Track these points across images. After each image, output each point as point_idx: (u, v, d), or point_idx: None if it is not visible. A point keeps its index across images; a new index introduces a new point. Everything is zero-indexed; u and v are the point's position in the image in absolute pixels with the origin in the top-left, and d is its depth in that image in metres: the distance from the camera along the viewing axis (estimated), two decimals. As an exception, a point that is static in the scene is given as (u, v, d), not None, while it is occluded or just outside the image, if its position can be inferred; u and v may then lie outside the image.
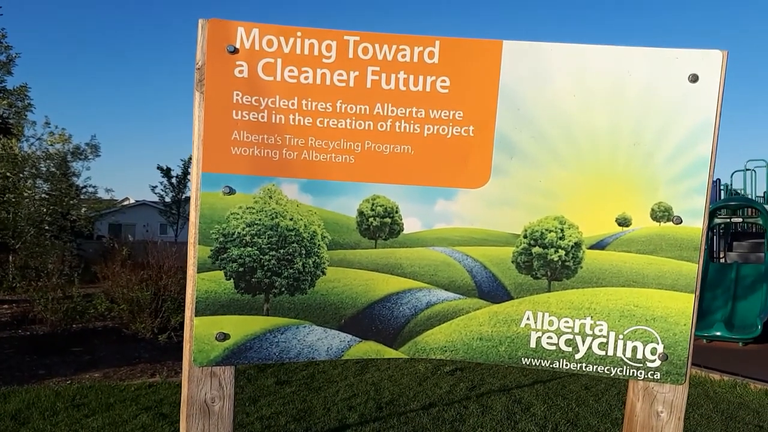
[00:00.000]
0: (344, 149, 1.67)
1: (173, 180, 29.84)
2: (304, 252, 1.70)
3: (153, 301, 7.64)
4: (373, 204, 1.71)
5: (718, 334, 9.69)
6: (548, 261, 1.71)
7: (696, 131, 1.62)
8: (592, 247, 1.70)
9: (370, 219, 1.71)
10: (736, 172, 13.87)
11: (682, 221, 1.65)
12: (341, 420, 4.98)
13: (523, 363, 1.74)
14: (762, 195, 13.05)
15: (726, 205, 12.28)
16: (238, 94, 1.63)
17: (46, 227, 13.28)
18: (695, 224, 1.65)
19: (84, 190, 17.37)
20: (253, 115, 1.64)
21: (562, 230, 1.70)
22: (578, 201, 1.69)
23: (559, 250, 1.70)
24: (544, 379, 6.68)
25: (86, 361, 6.66)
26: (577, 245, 1.70)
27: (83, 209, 16.95)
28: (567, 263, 1.71)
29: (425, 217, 1.73)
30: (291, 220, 1.68)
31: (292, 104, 1.65)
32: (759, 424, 5.42)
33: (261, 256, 1.67)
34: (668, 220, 1.66)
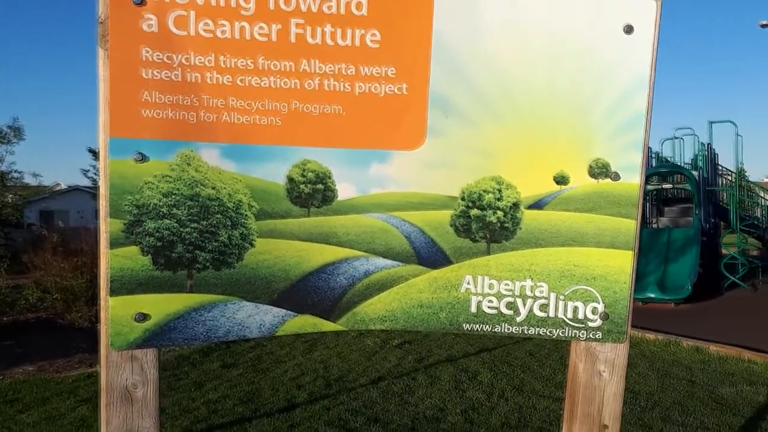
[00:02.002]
0: (269, 110, 1.55)
1: (106, 163, 28.46)
2: (229, 223, 1.57)
3: (89, 289, 7.32)
4: (303, 169, 1.59)
5: (652, 296, 10.14)
6: (487, 223, 1.65)
7: (632, 85, 1.58)
8: (530, 207, 1.66)
9: (301, 186, 1.60)
10: (665, 140, 14.41)
11: (620, 177, 1.62)
12: (290, 399, 4.91)
13: (465, 329, 1.68)
14: (689, 162, 13.62)
15: (657, 172, 12.78)
16: (147, 51, 1.48)
17: (-32, 216, 12.47)
18: (633, 180, 1.62)
19: (9, 176, 16.42)
20: (165, 73, 1.49)
21: (499, 191, 1.64)
22: (515, 160, 1.64)
23: (498, 212, 1.65)
24: (490, 347, 6.80)
25: (18, 354, 6.32)
26: (516, 206, 1.65)
27: (9, 196, 16.03)
28: (506, 225, 1.66)
29: (360, 182, 1.63)
30: (213, 188, 1.55)
31: (209, 61, 1.51)
32: (691, 379, 5.69)
33: (181, 229, 1.54)
34: (606, 176, 1.63)
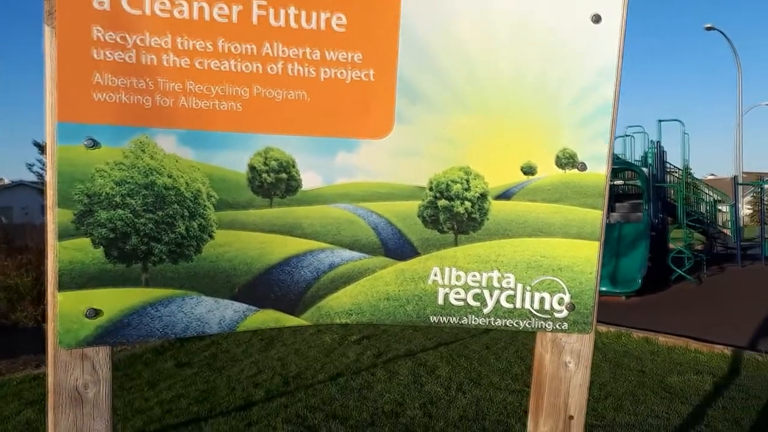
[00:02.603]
0: (229, 95, 1.48)
1: (52, 157, 27.33)
2: (186, 214, 1.49)
3: (34, 288, 7.01)
4: (266, 158, 1.53)
5: (604, 289, 10.41)
6: (454, 214, 1.63)
7: (599, 74, 1.58)
8: (498, 198, 1.64)
9: (264, 175, 1.54)
10: (616, 137, 14.79)
11: (586, 168, 1.62)
12: (247, 398, 4.81)
13: (432, 321, 1.66)
14: (640, 159, 14.05)
15: (609, 169, 13.09)
16: (98, 30, 1.39)
17: None
18: (600, 170, 1.63)
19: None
20: (119, 54, 1.40)
21: (467, 181, 1.62)
22: (483, 150, 1.61)
23: (465, 202, 1.62)
24: (448, 341, 6.84)
25: (-44, 357, 5.98)
26: (483, 196, 1.63)
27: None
28: (473, 215, 1.64)
29: (325, 171, 1.58)
30: (169, 177, 1.47)
31: (166, 43, 1.43)
32: (641, 369, 5.87)
33: (135, 220, 1.45)
34: (573, 166, 1.62)
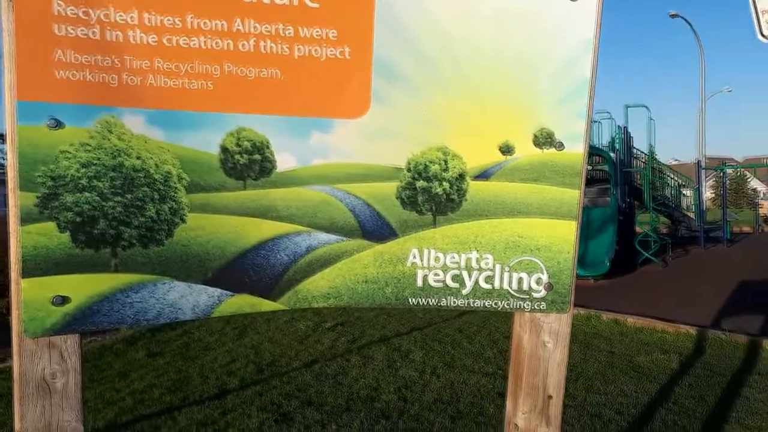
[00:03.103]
0: (200, 73, 1.42)
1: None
2: (157, 197, 1.44)
3: (-2, 278, 6.79)
4: (238, 138, 1.48)
5: (574, 272, 10.56)
6: (433, 195, 1.61)
7: (577, 51, 1.57)
8: (476, 178, 1.62)
9: (236, 156, 1.49)
10: (585, 123, 14.97)
11: (564, 147, 1.62)
12: (220, 386, 4.76)
13: (411, 303, 1.64)
14: (607, 144, 14.27)
15: (577, 154, 13.27)
16: (59, 4, 1.32)
17: None
18: (576, 149, 1.63)
19: None
20: (82, 30, 1.34)
21: (445, 161, 1.60)
22: (461, 130, 1.60)
23: (444, 183, 1.61)
24: (421, 326, 6.87)
25: None
26: (461, 176, 1.62)
27: None
28: (452, 196, 1.62)
29: (300, 152, 1.54)
30: (138, 158, 1.41)
31: (132, 18, 1.37)
32: (610, 350, 5.99)
33: (103, 203, 1.39)
34: (551, 146, 1.62)
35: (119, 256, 1.43)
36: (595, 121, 14.78)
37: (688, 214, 17.19)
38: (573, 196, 1.64)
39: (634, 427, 4.02)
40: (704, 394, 4.63)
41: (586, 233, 11.59)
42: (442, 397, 4.51)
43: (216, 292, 1.53)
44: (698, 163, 17.91)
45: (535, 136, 1.61)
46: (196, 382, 4.86)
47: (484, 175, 1.62)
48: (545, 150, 1.62)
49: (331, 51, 1.49)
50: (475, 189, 1.63)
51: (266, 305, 1.58)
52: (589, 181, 14.12)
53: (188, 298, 1.50)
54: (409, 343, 6.12)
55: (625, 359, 5.62)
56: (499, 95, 1.58)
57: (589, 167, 13.86)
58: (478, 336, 6.47)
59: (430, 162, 1.59)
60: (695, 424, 4.04)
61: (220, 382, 4.87)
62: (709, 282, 10.44)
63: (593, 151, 13.46)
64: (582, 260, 10.86)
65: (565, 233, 1.65)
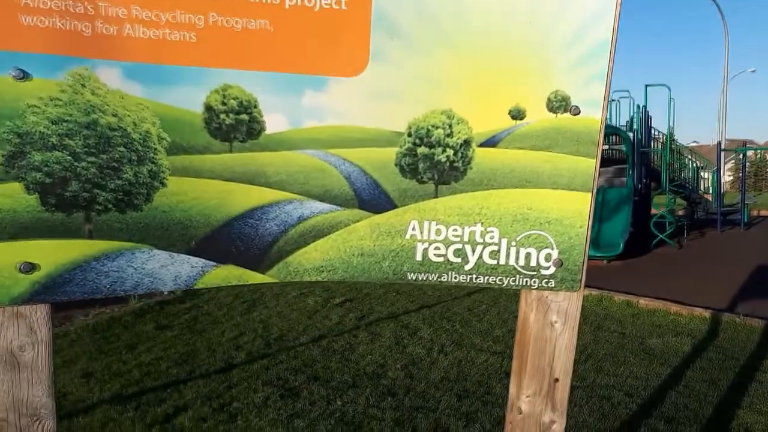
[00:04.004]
0: (181, 23, 1.30)
1: None
2: (134, 158, 1.33)
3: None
4: (224, 96, 1.36)
5: (587, 252, 10.41)
6: (435, 162, 1.48)
7: (597, 10, 1.42)
8: (482, 145, 1.49)
9: (222, 115, 1.37)
10: (603, 101, 14.64)
11: (580, 112, 1.48)
12: (227, 360, 4.73)
13: (409, 278, 1.53)
14: (625, 124, 13.95)
15: (594, 133, 12.98)
16: (26, -58, 1.20)
17: None
18: (594, 115, 1.48)
19: None
20: None
21: (450, 126, 1.47)
22: (468, 92, 1.46)
23: (447, 149, 1.48)
24: (430, 304, 6.79)
25: None
26: (467, 143, 1.49)
27: None
28: (455, 164, 1.49)
29: (292, 113, 1.42)
30: (114, 116, 1.30)
31: (106, -40, 1.25)
32: (621, 332, 5.86)
33: (75, 163, 1.29)
34: (565, 110, 1.48)
35: (93, 221, 1.32)
36: (614, 100, 14.44)
37: (706, 196, 16.86)
38: (588, 165, 1.50)
39: (644, 410, 3.92)
40: (716, 377, 4.51)
41: (600, 214, 11.39)
42: (449, 376, 4.43)
43: (200, 262, 1.43)
44: (719, 144, 17.48)
45: (549, 100, 1.47)
46: (203, 355, 4.84)
47: (491, 142, 1.49)
48: (559, 115, 1.48)
49: (326, 1, 1.36)
50: (481, 156, 1.50)
51: (254, 277, 1.48)
52: (606, 161, 13.85)
53: (169, 267, 1.40)
54: (418, 321, 6.04)
55: (637, 341, 5.50)
56: (509, 55, 1.44)
57: (606, 147, 13.62)
58: (487, 315, 6.38)
59: (433, 126, 1.46)
60: (706, 408, 3.93)
61: (227, 355, 4.84)
62: (725, 265, 10.23)
63: (610, 131, 13.18)
64: (596, 241, 10.69)
65: (579, 206, 1.52)
